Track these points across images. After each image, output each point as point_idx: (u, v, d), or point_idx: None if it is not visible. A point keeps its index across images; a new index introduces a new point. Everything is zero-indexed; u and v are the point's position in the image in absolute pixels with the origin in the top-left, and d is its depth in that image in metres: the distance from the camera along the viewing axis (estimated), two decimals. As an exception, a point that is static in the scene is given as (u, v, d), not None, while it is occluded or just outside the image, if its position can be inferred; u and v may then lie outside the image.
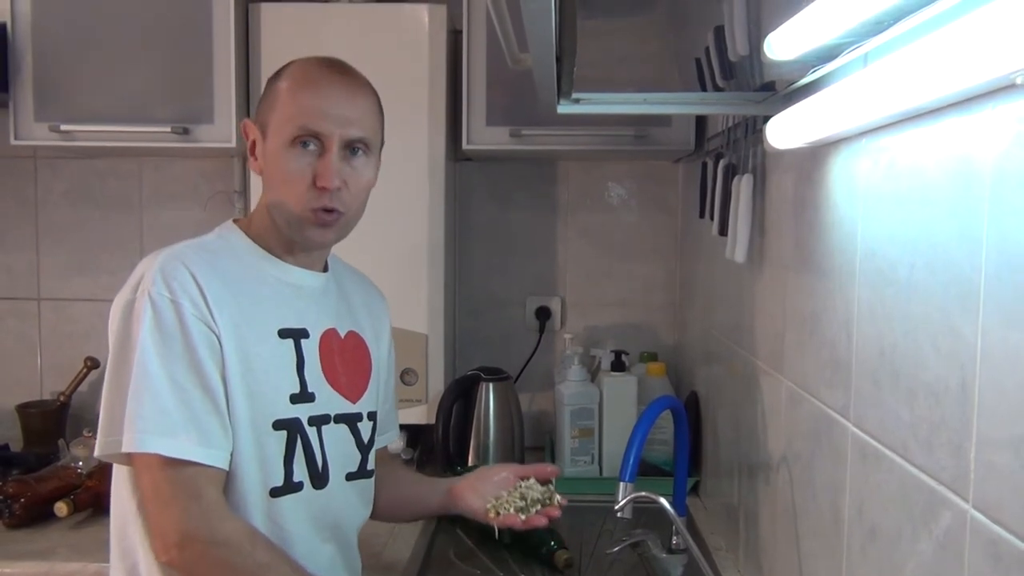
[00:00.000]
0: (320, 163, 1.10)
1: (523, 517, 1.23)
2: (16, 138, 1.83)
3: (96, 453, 1.06)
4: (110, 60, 1.81)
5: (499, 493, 1.28)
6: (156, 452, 1.00)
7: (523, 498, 1.25)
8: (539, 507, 1.25)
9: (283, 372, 1.12)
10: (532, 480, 1.29)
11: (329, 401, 1.17)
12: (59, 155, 2.15)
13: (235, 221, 1.19)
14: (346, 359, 1.21)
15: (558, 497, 1.27)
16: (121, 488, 1.11)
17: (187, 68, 1.80)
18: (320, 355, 1.17)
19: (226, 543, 1.02)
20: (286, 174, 1.11)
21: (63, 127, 1.80)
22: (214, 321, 1.05)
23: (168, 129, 1.79)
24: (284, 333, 1.13)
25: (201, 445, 1.02)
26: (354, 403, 1.21)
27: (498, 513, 1.24)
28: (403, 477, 1.41)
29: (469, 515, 1.30)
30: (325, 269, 1.24)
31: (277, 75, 1.15)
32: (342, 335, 1.22)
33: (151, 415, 1.00)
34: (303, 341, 1.15)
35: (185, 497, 1.02)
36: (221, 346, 1.05)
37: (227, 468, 1.06)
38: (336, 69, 1.15)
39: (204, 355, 1.03)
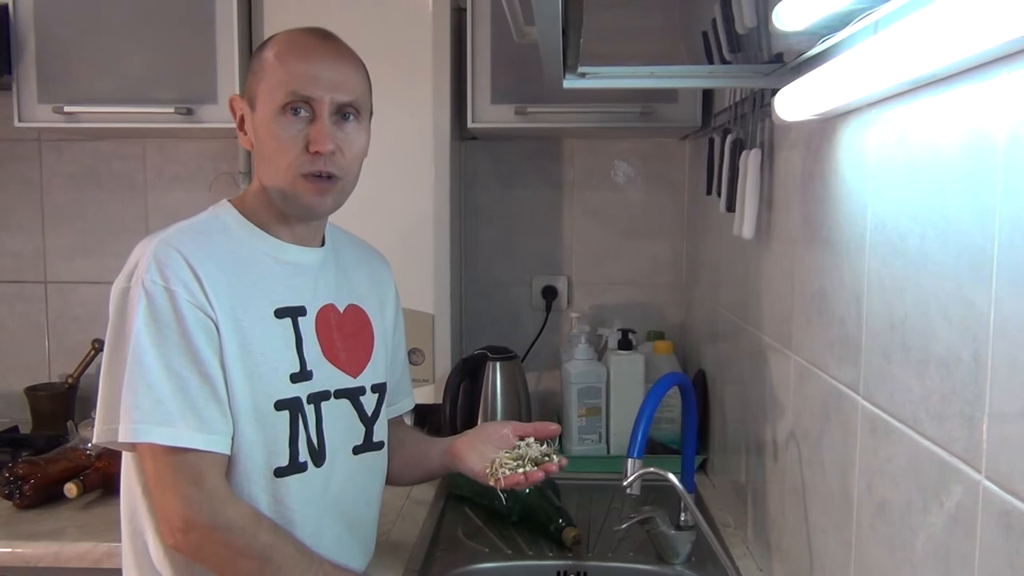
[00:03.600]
0: (313, 128, 1.10)
1: (521, 471, 1.19)
2: (20, 120, 1.82)
3: (94, 440, 1.06)
4: (113, 40, 1.80)
5: (497, 454, 1.24)
6: (154, 442, 1.01)
7: (520, 458, 1.21)
8: (535, 467, 1.20)
9: (282, 352, 1.12)
10: (531, 439, 1.25)
11: (329, 377, 1.17)
12: (63, 137, 2.14)
13: (230, 200, 1.18)
14: (345, 334, 1.21)
15: (556, 458, 1.22)
16: (129, 471, 1.12)
17: (190, 47, 1.79)
18: (317, 332, 1.16)
19: (228, 527, 1.03)
20: (278, 142, 1.10)
21: (67, 109, 1.80)
22: (210, 306, 1.05)
23: (172, 110, 1.78)
24: (280, 312, 1.12)
25: (200, 431, 1.03)
26: (355, 377, 1.21)
27: (497, 478, 1.20)
28: (408, 438, 1.40)
29: (470, 475, 1.27)
30: (323, 243, 1.23)
31: (262, 47, 1.15)
32: (341, 310, 1.21)
33: (147, 405, 1.01)
34: (300, 319, 1.14)
35: (187, 483, 1.02)
36: (218, 330, 1.05)
37: (228, 452, 1.06)
38: (322, 35, 1.15)
39: (200, 341, 1.03)
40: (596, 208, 2.19)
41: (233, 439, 1.06)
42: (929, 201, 0.78)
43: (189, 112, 1.79)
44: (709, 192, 1.63)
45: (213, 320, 1.05)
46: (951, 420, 0.73)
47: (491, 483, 1.21)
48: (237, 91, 1.77)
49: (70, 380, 2.09)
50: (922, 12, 0.69)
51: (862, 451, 0.94)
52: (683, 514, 1.40)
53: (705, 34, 1.35)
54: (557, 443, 1.26)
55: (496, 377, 1.89)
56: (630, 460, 1.27)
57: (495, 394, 1.89)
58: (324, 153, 1.10)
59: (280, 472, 1.10)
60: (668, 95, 1.81)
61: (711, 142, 1.62)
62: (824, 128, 1.06)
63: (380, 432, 1.26)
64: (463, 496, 1.68)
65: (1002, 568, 0.64)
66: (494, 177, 2.19)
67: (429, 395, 1.86)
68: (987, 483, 0.67)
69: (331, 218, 1.24)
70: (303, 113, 1.10)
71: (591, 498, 1.70)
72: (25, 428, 2.05)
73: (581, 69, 1.18)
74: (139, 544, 1.12)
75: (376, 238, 1.42)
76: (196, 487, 1.02)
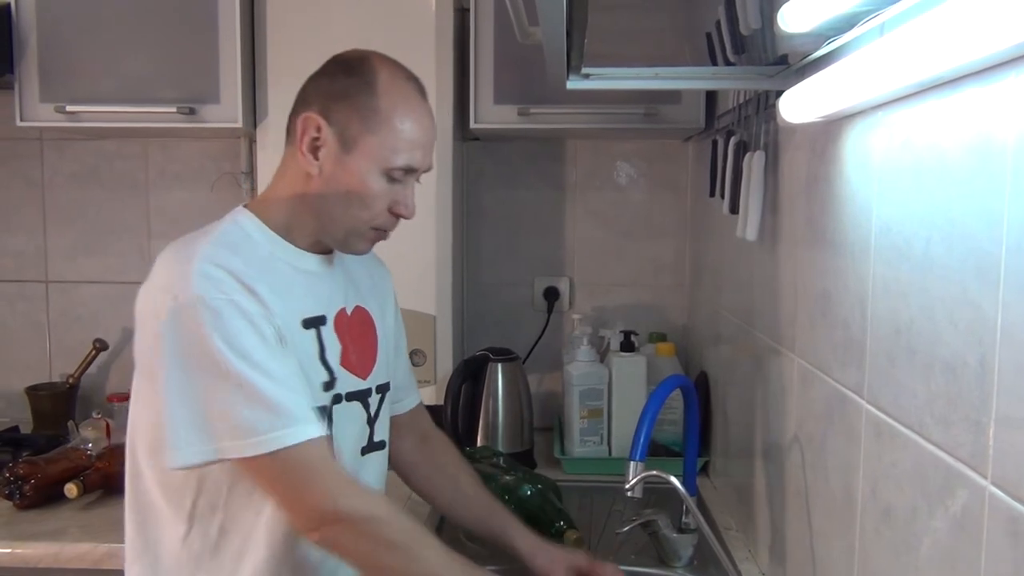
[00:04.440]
0: (403, 193, 1.13)
1: None
2: (22, 119, 1.82)
3: (179, 464, 1.01)
4: (115, 40, 1.80)
5: None
6: (285, 446, 1.00)
7: None
8: None
9: (313, 362, 1.12)
10: None
11: (343, 381, 1.17)
12: (65, 136, 2.14)
13: (247, 207, 1.16)
14: (354, 336, 1.21)
15: None
16: (143, 481, 1.11)
17: (193, 47, 1.79)
18: (337, 338, 1.17)
19: (372, 517, 1.03)
20: (369, 195, 1.11)
21: (69, 108, 1.80)
22: (269, 312, 1.04)
23: (174, 109, 1.78)
24: (307, 323, 1.12)
25: (312, 421, 1.03)
26: (364, 379, 1.21)
27: None
28: (474, 499, 1.36)
29: None
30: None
31: (368, 84, 1.10)
32: (349, 312, 1.21)
33: (264, 417, 0.99)
34: (322, 328, 1.14)
35: (320, 478, 1.03)
36: (280, 336, 1.05)
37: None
38: (423, 94, 1.15)
39: (275, 341, 1.04)
40: (599, 209, 2.18)
41: None
42: (935, 205, 0.77)
43: (191, 112, 1.79)
44: (712, 194, 1.62)
45: (275, 328, 1.04)
46: (957, 425, 0.72)
47: None
48: (239, 90, 1.77)
49: (71, 380, 2.09)
50: (930, 14, 0.69)
51: (866, 455, 0.94)
52: (685, 517, 1.40)
53: (709, 35, 1.35)
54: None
55: (498, 378, 1.89)
56: (632, 463, 1.26)
57: (496, 395, 1.88)
58: (408, 219, 1.14)
59: None
60: (671, 96, 1.80)
61: (714, 144, 1.62)
62: (829, 130, 1.06)
63: (381, 432, 1.26)
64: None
65: (1009, 575, 0.64)
66: (496, 178, 2.18)
67: (430, 396, 1.86)
68: (993, 489, 0.66)
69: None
70: (400, 176, 1.12)
71: (592, 500, 1.70)
72: (26, 428, 2.04)
73: (585, 70, 1.18)
74: (151, 557, 1.11)
75: (378, 239, 1.42)
76: (329, 478, 1.03)
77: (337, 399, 1.16)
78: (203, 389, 1.00)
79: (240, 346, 1.00)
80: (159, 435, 1.04)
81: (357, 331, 1.22)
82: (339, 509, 1.02)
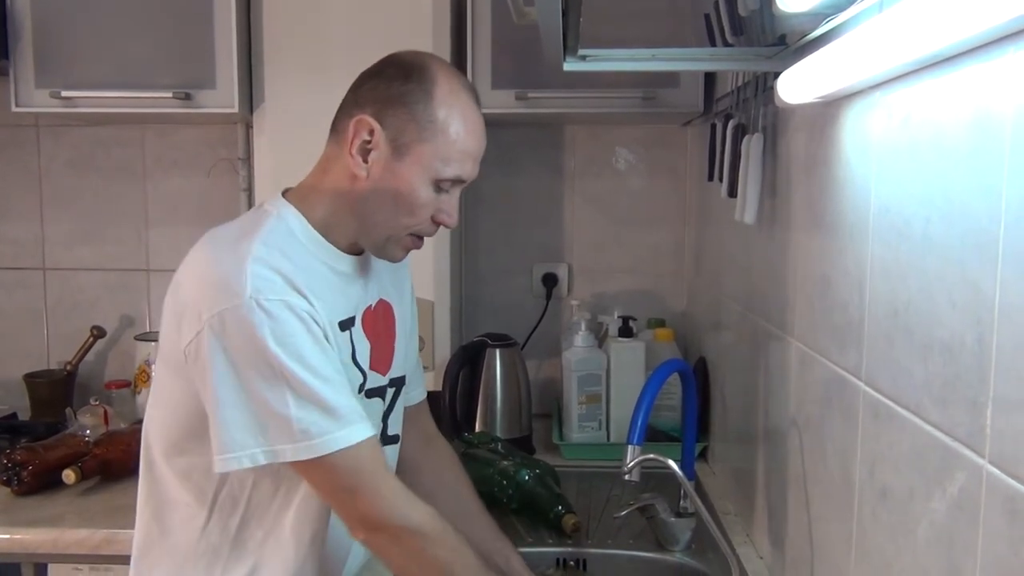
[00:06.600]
0: (449, 202, 1.11)
1: None
2: (17, 105, 1.81)
3: (234, 466, 1.01)
4: (110, 25, 1.79)
5: None
6: (338, 448, 1.00)
7: None
8: None
9: (348, 364, 1.11)
10: None
11: (370, 379, 1.16)
12: (61, 123, 2.13)
13: (286, 195, 1.12)
14: (379, 333, 1.19)
15: None
16: (157, 470, 1.11)
17: (188, 32, 1.78)
18: (365, 337, 1.16)
19: (414, 532, 1.04)
20: (416, 204, 1.08)
21: (64, 93, 1.79)
22: (317, 313, 1.03)
23: (170, 94, 1.77)
24: (343, 325, 1.11)
25: (363, 421, 1.03)
26: (384, 375, 1.20)
27: None
28: (477, 517, 1.33)
29: None
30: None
31: (426, 92, 1.07)
32: (373, 307, 1.19)
33: (320, 419, 0.99)
34: (352, 330, 1.13)
35: (373, 482, 1.04)
36: (327, 337, 1.05)
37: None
38: (479, 103, 1.13)
39: (324, 341, 1.03)
40: (597, 195, 2.17)
41: None
42: (934, 184, 0.77)
43: (187, 97, 1.78)
44: (711, 178, 1.61)
45: (322, 328, 1.04)
46: (954, 405, 0.72)
47: None
48: (235, 75, 1.76)
49: (69, 367, 2.08)
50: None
51: (864, 437, 0.93)
52: (683, 501, 1.40)
53: (707, 16, 1.34)
54: None
55: (496, 364, 1.89)
56: (630, 447, 1.26)
57: (495, 381, 1.88)
58: (452, 228, 1.13)
59: None
60: (670, 80, 1.79)
61: (713, 127, 1.61)
62: (827, 111, 1.05)
63: (395, 426, 1.25)
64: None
65: (1006, 554, 0.63)
66: (495, 164, 2.16)
67: (428, 382, 1.84)
68: (991, 468, 0.66)
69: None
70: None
71: (591, 485, 1.70)
72: (24, 415, 2.04)
73: (582, 51, 1.17)
74: (170, 542, 1.11)
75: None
76: (383, 484, 1.04)
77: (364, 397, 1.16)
78: (256, 392, 0.99)
79: (294, 348, 0.99)
80: (181, 430, 1.06)
81: (381, 327, 1.20)
82: (386, 518, 1.03)
